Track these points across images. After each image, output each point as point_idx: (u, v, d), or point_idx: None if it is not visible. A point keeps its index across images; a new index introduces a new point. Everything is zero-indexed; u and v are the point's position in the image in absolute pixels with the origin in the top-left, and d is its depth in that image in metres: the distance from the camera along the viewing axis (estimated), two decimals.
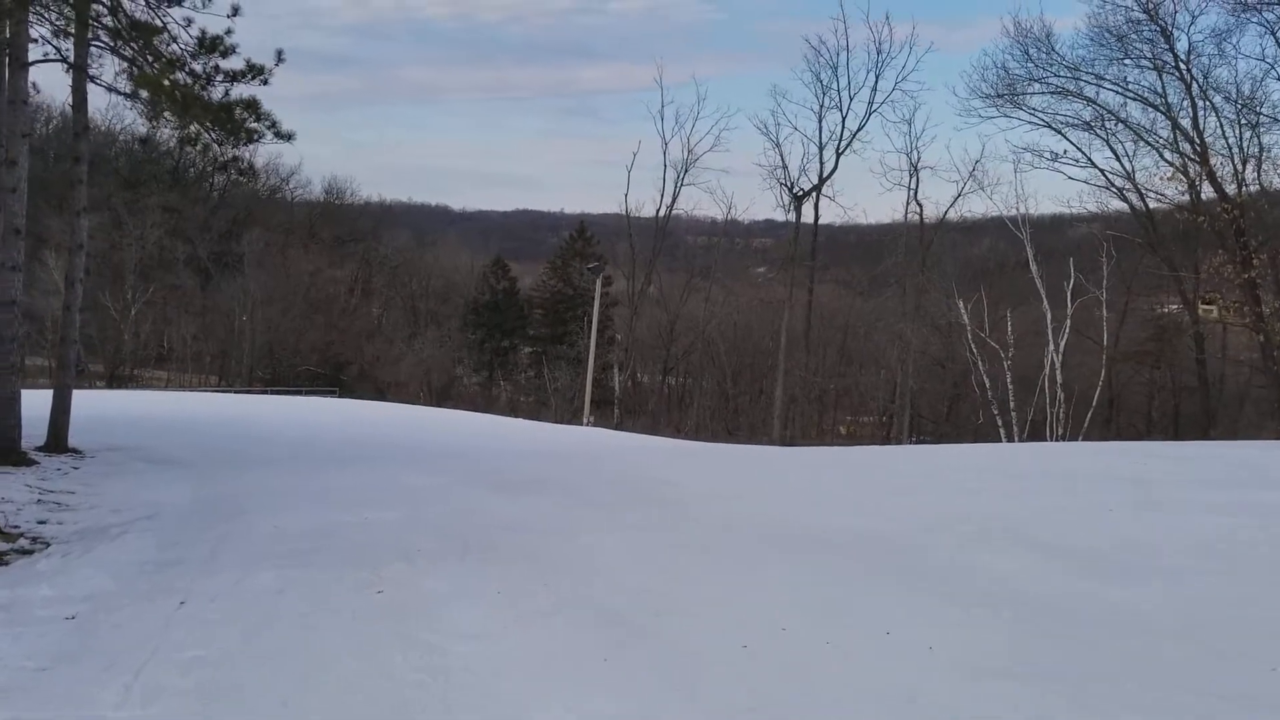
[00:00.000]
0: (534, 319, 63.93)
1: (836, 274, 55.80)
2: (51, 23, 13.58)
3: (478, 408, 43.54)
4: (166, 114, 14.51)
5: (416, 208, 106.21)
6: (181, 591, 5.00)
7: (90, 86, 14.48)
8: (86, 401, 27.51)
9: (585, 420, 36.31)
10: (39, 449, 14.36)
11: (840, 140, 38.17)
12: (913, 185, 38.03)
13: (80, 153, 14.66)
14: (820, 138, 38.52)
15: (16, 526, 8.09)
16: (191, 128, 15.00)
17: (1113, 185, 31.51)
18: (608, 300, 48.18)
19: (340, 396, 43.34)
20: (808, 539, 6.47)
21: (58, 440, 14.72)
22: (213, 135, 15.25)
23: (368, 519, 7.56)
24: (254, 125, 14.84)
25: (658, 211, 44.50)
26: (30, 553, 7.07)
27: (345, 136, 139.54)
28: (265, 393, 44.16)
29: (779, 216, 44.24)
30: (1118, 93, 29.42)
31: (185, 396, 35.02)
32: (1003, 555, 5.66)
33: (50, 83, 21.96)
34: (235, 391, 44.47)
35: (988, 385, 30.60)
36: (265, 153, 76.41)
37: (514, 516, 7.62)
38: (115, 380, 48.11)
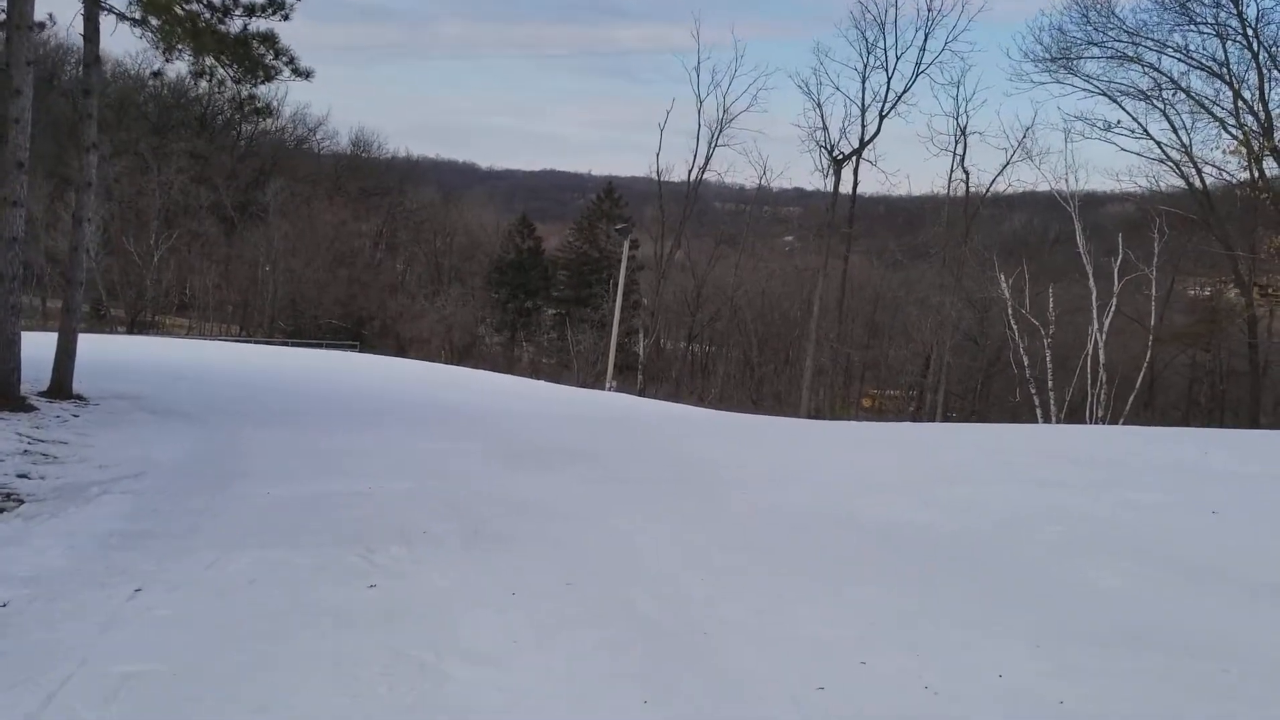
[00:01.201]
0: (558, 280, 63.04)
1: (864, 244, 54.47)
2: None
3: (499, 368, 42.91)
4: (179, 46, 13.67)
5: (444, 164, 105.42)
6: (141, 576, 4.24)
7: (103, 20, 13.68)
8: (101, 346, 27.01)
9: (608, 385, 35.54)
10: (41, 394, 13.72)
11: (884, 102, 36.56)
12: (959, 151, 36.50)
13: (90, 85, 13.82)
14: (863, 99, 37.02)
15: None
16: (206, 61, 14.19)
17: (1168, 158, 30.13)
18: (634, 264, 47.17)
19: (361, 351, 42.77)
20: (870, 536, 5.63)
21: (61, 386, 14.06)
22: (229, 70, 14.42)
23: (371, 489, 6.79)
24: (271, 61, 13.99)
25: (690, 172, 43.28)
26: (0, 511, 6.36)
27: (376, 90, 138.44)
28: (285, 344, 43.65)
29: (811, 183, 42.98)
30: (1179, 60, 28.00)
31: (203, 345, 34.53)
32: (1112, 569, 4.79)
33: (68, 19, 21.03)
34: (255, 342, 44.00)
35: (1026, 363, 29.49)
36: (293, 102, 75.50)
37: (534, 493, 6.82)
38: (136, 326, 47.76)
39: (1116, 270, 29.41)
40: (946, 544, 5.47)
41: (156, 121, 65.80)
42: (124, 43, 56.10)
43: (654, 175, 44.40)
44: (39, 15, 15.72)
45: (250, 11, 14.12)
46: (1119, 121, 29.96)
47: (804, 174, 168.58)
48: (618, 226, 43.19)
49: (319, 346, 42.96)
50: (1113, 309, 29.20)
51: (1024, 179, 57.45)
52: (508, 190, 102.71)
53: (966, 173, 36.64)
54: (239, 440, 10.30)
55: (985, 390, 40.41)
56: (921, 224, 61.17)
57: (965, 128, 36.49)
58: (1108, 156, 71.51)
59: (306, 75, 14.08)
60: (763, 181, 46.13)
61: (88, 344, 27.22)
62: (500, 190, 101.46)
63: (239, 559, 4.57)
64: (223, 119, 74.15)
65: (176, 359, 24.72)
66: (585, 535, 5.40)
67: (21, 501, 6.76)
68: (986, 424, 19.66)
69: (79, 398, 13.93)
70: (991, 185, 36.40)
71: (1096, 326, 28.85)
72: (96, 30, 13.53)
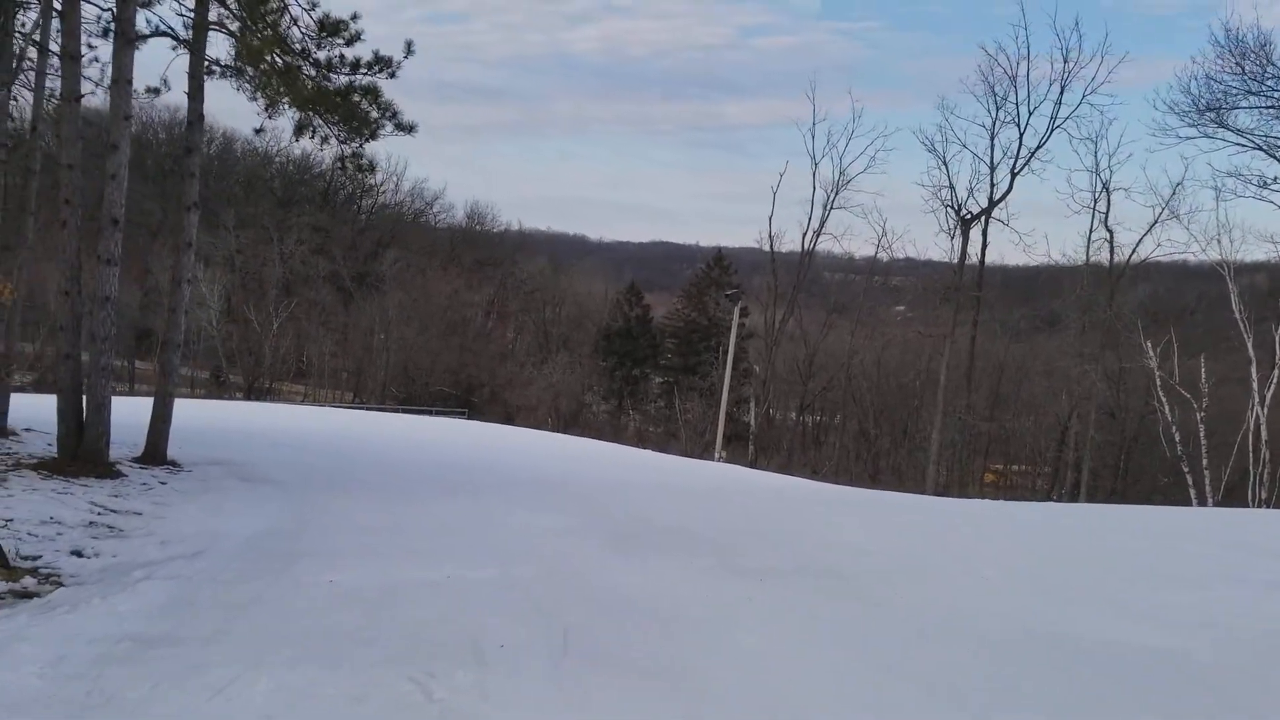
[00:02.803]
0: (666, 348, 62.28)
1: (981, 313, 52.12)
2: None
3: (605, 436, 42.02)
4: (281, 101, 13.36)
5: (555, 236, 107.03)
6: (124, 709, 3.23)
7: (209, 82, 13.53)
8: (212, 412, 27.22)
9: (716, 455, 34.14)
10: (135, 460, 13.30)
11: (1016, 159, 34.43)
12: (1103, 208, 33.88)
13: (193, 143, 13.61)
14: (992, 156, 34.98)
15: (35, 557, 6.63)
16: (310, 119, 13.85)
17: None
18: (742, 332, 45.99)
19: (469, 418, 42.54)
20: (1103, 668, 4.24)
21: (155, 451, 13.60)
22: (331, 127, 14.06)
23: (448, 577, 5.73)
24: (374, 115, 13.54)
25: (803, 236, 41.95)
26: (28, 596, 5.53)
27: (492, 165, 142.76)
28: (396, 411, 43.82)
29: (924, 252, 41.02)
30: None
31: (314, 411, 34.68)
32: None
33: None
34: (367, 409, 44.31)
35: (1177, 439, 26.92)
36: (411, 177, 77.91)
37: (638, 587, 5.64)
38: (254, 392, 48.81)
39: (1278, 337, 26.74)
40: (1213, 681, 4.04)
41: (282, 196, 68.55)
42: (252, 121, 58.91)
43: (761, 246, 43.33)
44: (152, 80, 15.82)
45: (355, 68, 13.77)
46: (1276, 178, 27.44)
47: (919, 242, 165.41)
48: (728, 292, 42.15)
49: (429, 413, 42.94)
50: (1275, 380, 26.49)
51: (1174, 239, 53.51)
52: (617, 261, 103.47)
53: (1110, 232, 33.88)
54: (321, 512, 9.46)
55: (1125, 468, 37.39)
56: (1039, 293, 58.30)
57: (1109, 184, 33.95)
58: (1262, 215, 66.75)
59: (410, 129, 13.56)
60: (881, 244, 44.45)
61: (199, 409, 27.53)
62: (609, 261, 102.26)
63: (257, 683, 3.54)
64: (345, 194, 77.05)
65: (285, 425, 24.57)
66: (705, 658, 4.17)
67: (60, 585, 5.95)
68: (1146, 506, 17.55)
69: (172, 464, 13.46)
70: (1138, 245, 33.57)
71: (1257, 399, 26.18)
72: (200, 88, 13.33)
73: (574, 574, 6.07)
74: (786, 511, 10.96)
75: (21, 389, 26.96)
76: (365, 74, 13.77)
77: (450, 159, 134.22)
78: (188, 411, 24.92)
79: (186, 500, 10.16)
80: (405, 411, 43.59)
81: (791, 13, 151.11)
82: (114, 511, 9.06)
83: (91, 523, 8.33)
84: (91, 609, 4.74)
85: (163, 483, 11.73)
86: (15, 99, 14.82)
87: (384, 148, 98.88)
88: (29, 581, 5.88)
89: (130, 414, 14.28)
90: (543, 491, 13.16)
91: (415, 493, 11.69)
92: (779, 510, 11.37)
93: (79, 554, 6.96)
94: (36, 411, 16.06)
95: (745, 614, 5.00)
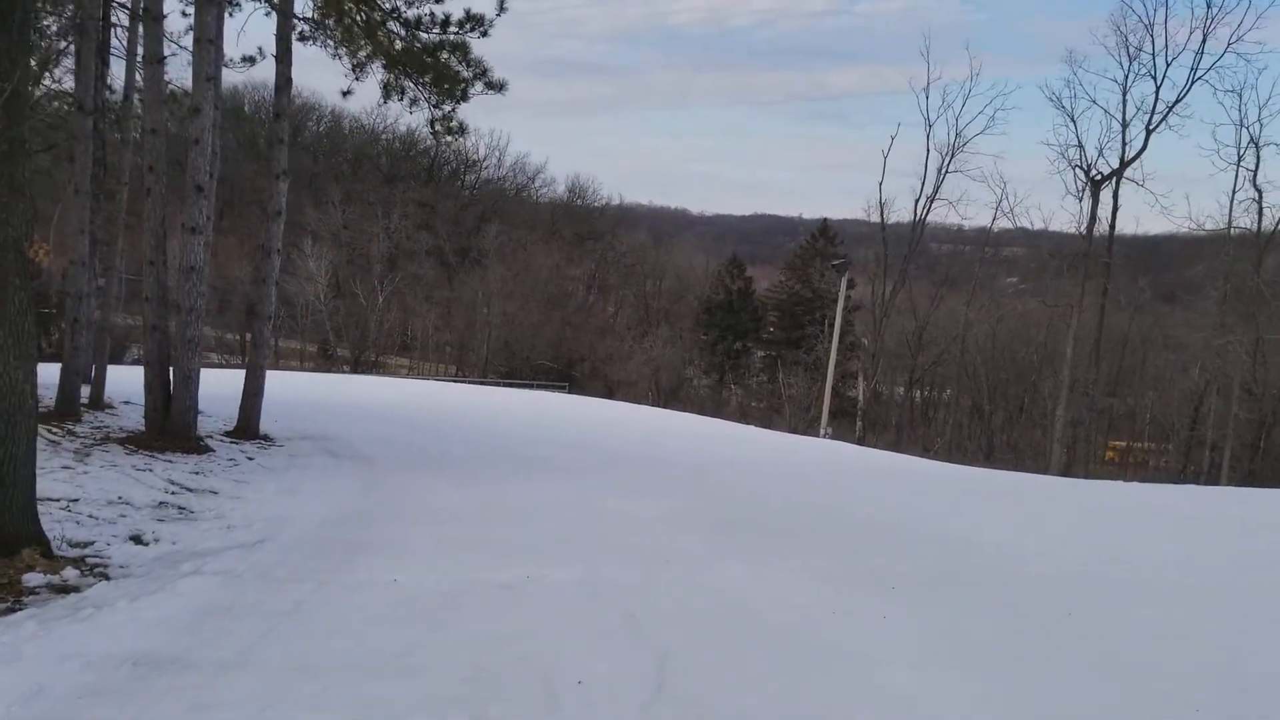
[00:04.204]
0: (769, 322, 60.84)
1: (1102, 284, 49.23)
2: None
3: (706, 411, 41.09)
4: (367, 60, 12.76)
5: (655, 210, 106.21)
6: None
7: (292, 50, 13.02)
8: (314, 385, 27.34)
9: (823, 431, 32.84)
10: (227, 434, 13.03)
11: (1151, 114, 31.69)
12: (1249, 164, 30.84)
13: (282, 109, 13.14)
14: (1124, 113, 32.31)
15: (88, 544, 6.11)
16: (398, 80, 13.23)
17: None
18: (849, 304, 44.30)
19: (570, 393, 42.19)
20: None
21: (247, 425, 13.32)
22: (421, 89, 13.41)
23: (527, 578, 4.94)
24: (463, 73, 12.82)
25: (916, 202, 39.92)
26: (64, 592, 4.95)
27: (593, 140, 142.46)
28: (498, 385, 43.79)
29: (1039, 222, 38.31)
30: None
31: (416, 384, 34.73)
32: None
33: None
34: (469, 382, 44.41)
35: None
36: (513, 152, 77.93)
37: (748, 597, 4.73)
38: (360, 366, 49.51)
39: None
40: None
41: (388, 172, 69.39)
42: (361, 99, 59.44)
43: (869, 216, 41.51)
44: (249, 50, 15.43)
45: (445, 26, 13.07)
46: None
47: (1043, 207, 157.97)
48: (835, 262, 40.54)
49: (530, 387, 42.76)
50: None
51: None
52: (718, 234, 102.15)
53: (1260, 191, 30.85)
54: (403, 492, 8.84)
55: (1267, 447, 34.54)
56: (1160, 263, 54.54)
57: (1258, 139, 30.85)
58: None
59: (500, 87, 12.82)
60: (1000, 208, 42.05)
61: (303, 382, 27.68)
62: (710, 234, 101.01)
63: None
64: (449, 170, 77.64)
65: (386, 398, 24.43)
66: (841, 707, 3.25)
67: (105, 577, 5.37)
68: None
69: (264, 438, 13.14)
70: None
71: None
72: (288, 50, 12.83)
73: (673, 577, 5.19)
74: (909, 497, 9.86)
75: (119, 361, 27.53)
76: (456, 32, 13.07)
77: (551, 134, 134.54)
78: (291, 384, 25.07)
79: (267, 478, 9.69)
80: (507, 385, 43.52)
81: None
82: (189, 490, 8.60)
83: (162, 503, 7.85)
84: (113, 615, 4.10)
85: (250, 458, 11.35)
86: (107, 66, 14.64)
87: (486, 121, 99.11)
88: (70, 574, 5.32)
89: (233, 388, 14.03)
90: (641, 471, 12.35)
91: (505, 472, 11.02)
92: (900, 495, 10.28)
93: (138, 539, 6.43)
94: (138, 385, 16.10)
95: (881, 638, 4.03)
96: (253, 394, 13.52)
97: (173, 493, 8.37)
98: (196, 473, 9.66)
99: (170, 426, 11.37)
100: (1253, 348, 31.17)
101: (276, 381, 16.24)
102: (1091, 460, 42.04)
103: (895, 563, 5.67)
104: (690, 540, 6.47)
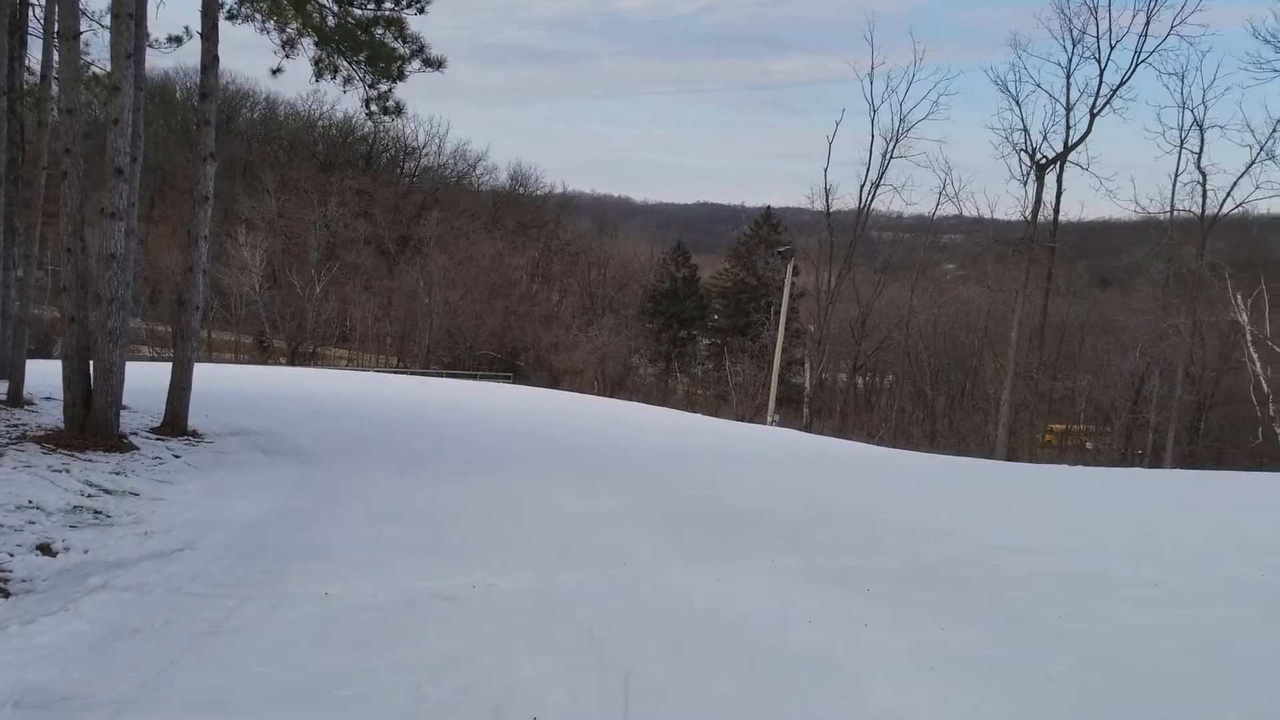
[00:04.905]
0: (714, 310, 60.78)
1: (1054, 266, 50.01)
2: None
3: (653, 400, 40.84)
4: (296, 35, 12.12)
5: (599, 198, 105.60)
6: None
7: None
8: (249, 378, 26.44)
9: (769, 419, 32.76)
10: (153, 430, 12.32)
11: (1095, 98, 31.83)
12: (1193, 147, 31.00)
13: (208, 88, 12.43)
14: (1068, 96, 32.45)
15: None
16: (328, 55, 12.61)
17: None
18: (794, 291, 44.30)
19: (514, 383, 41.59)
20: None
21: (174, 421, 12.58)
22: (355, 67, 12.80)
23: (474, 588, 4.53)
24: (397, 49, 12.25)
25: (861, 186, 39.96)
26: None
27: (535, 127, 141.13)
28: (440, 376, 42.97)
29: (975, 210, 38.68)
30: None
31: (355, 376, 33.88)
32: None
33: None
34: (410, 373, 43.52)
35: (1270, 399, 25.01)
36: (453, 139, 76.70)
37: (715, 604, 4.38)
38: (297, 357, 48.27)
39: None
40: None
41: (325, 160, 67.77)
42: (295, 85, 58.08)
43: (812, 204, 41.39)
44: (175, 29, 14.65)
45: (380, 1, 12.49)
46: None
47: (988, 192, 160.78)
48: (780, 249, 40.52)
49: (474, 378, 42.05)
50: None
51: (1275, 180, 50.00)
52: (661, 222, 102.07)
53: (1204, 174, 31.12)
54: (340, 493, 8.34)
55: (1205, 429, 35.35)
56: (1096, 249, 55.55)
57: (1202, 121, 31.07)
58: None
59: (438, 65, 12.29)
60: (945, 193, 42.29)
61: (237, 375, 26.75)
62: (654, 222, 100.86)
63: None
64: (387, 157, 76.14)
65: (324, 391, 23.67)
66: (809, 705, 2.90)
67: (4, 594, 4.83)
68: (1269, 473, 15.81)
69: (192, 434, 12.46)
70: (1233, 189, 30.65)
71: None
72: (214, 28, 12.13)
73: (632, 581, 4.81)
74: (869, 486, 9.62)
75: (46, 356, 26.35)
76: (391, 9, 12.50)
77: (493, 121, 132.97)
78: (224, 376, 24.18)
79: (194, 478, 9.10)
80: (450, 376, 42.75)
81: None
82: (108, 492, 8.00)
83: (77, 507, 7.25)
84: (2, 642, 3.59)
85: (176, 456, 10.71)
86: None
87: (426, 108, 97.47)
88: None
89: (163, 382, 13.33)
90: (591, 464, 11.96)
91: (451, 467, 10.55)
92: (860, 484, 10.04)
93: (45, 549, 5.87)
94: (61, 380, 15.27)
95: (865, 650, 3.70)
96: (180, 387, 12.80)
97: (89, 495, 7.77)
98: (117, 473, 9.04)
99: (91, 424, 10.67)
100: (1193, 330, 31.72)
101: (209, 374, 15.55)
102: (1034, 443, 42.69)
103: (867, 560, 5.37)
104: (647, 541, 6.11)
